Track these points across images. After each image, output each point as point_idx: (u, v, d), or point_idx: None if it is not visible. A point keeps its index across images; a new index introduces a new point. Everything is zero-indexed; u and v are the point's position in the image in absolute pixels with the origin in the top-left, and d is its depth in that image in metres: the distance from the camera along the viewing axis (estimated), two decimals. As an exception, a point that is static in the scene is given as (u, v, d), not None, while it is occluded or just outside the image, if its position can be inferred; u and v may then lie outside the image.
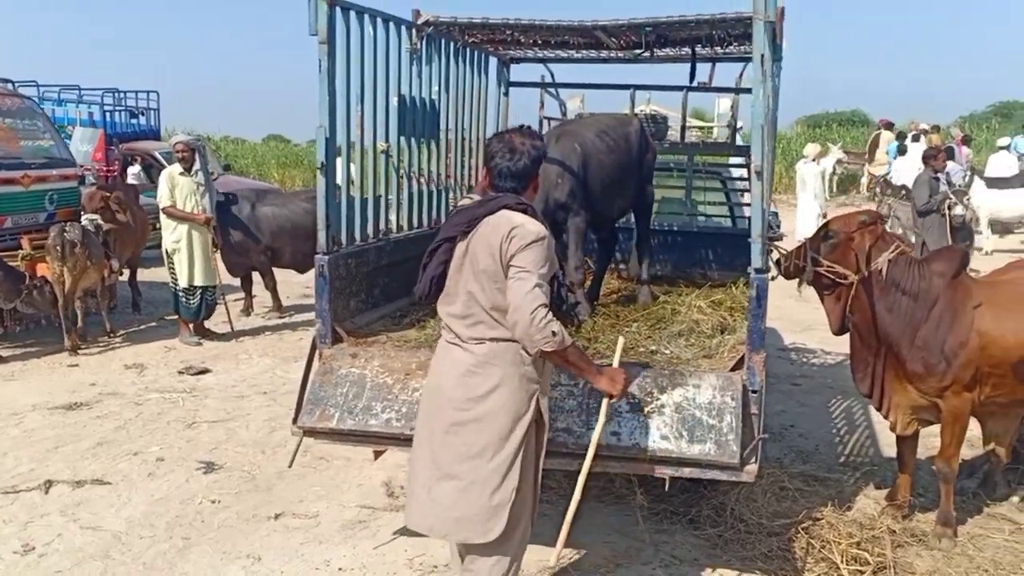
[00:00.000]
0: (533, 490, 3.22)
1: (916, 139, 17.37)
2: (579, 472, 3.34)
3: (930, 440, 4.79)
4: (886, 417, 4.66)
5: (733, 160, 7.96)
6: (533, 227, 2.99)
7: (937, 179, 9.63)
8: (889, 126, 19.96)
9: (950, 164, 11.38)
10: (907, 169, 14.02)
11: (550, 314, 2.90)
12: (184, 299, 8.33)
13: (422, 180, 5.74)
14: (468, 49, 6.24)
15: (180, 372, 7.40)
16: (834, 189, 16.36)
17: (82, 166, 10.99)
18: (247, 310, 9.65)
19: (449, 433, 3.07)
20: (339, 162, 4.60)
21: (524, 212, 3.06)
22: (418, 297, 3.28)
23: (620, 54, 6.55)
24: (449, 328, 3.15)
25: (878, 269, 4.33)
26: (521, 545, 3.22)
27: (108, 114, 16.34)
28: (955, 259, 4.61)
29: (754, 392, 3.76)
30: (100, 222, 8.44)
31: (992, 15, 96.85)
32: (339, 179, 4.74)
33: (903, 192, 12.28)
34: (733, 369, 3.85)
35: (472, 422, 3.04)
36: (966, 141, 19.48)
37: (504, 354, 3.03)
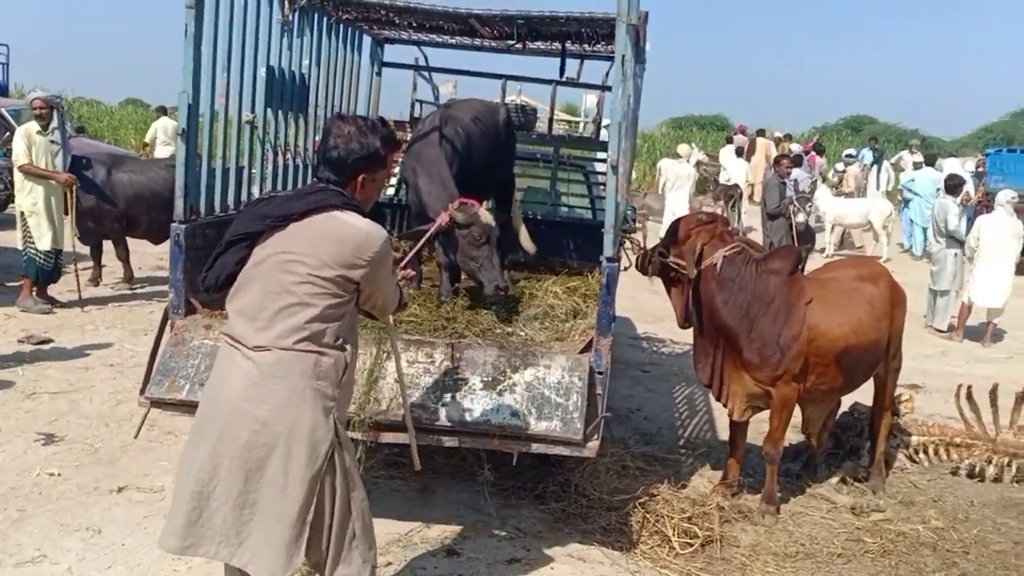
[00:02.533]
0: (361, 519, 2.88)
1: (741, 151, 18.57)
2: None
3: (761, 426, 5.16)
4: (724, 404, 5.00)
5: (600, 155, 8.23)
6: (378, 232, 2.77)
7: (784, 184, 10.28)
8: (760, 132, 21.03)
9: (796, 171, 12.15)
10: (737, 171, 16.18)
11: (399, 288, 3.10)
12: (44, 262, 7.96)
13: (288, 154, 5.69)
14: (342, 26, 6.21)
15: (20, 341, 7.02)
16: (693, 190, 17.04)
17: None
18: (96, 280, 9.20)
19: (238, 452, 2.68)
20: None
21: (355, 211, 2.79)
22: (204, 288, 2.95)
23: (493, 43, 6.68)
24: (232, 329, 2.79)
25: (712, 264, 4.64)
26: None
27: (-50, 65, 15.17)
28: (791, 258, 5.00)
29: (600, 373, 3.97)
30: None
31: (847, 35, 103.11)
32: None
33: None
34: (582, 352, 4.04)
35: (262, 446, 2.67)
36: (819, 151, 20.75)
37: (292, 365, 2.69)
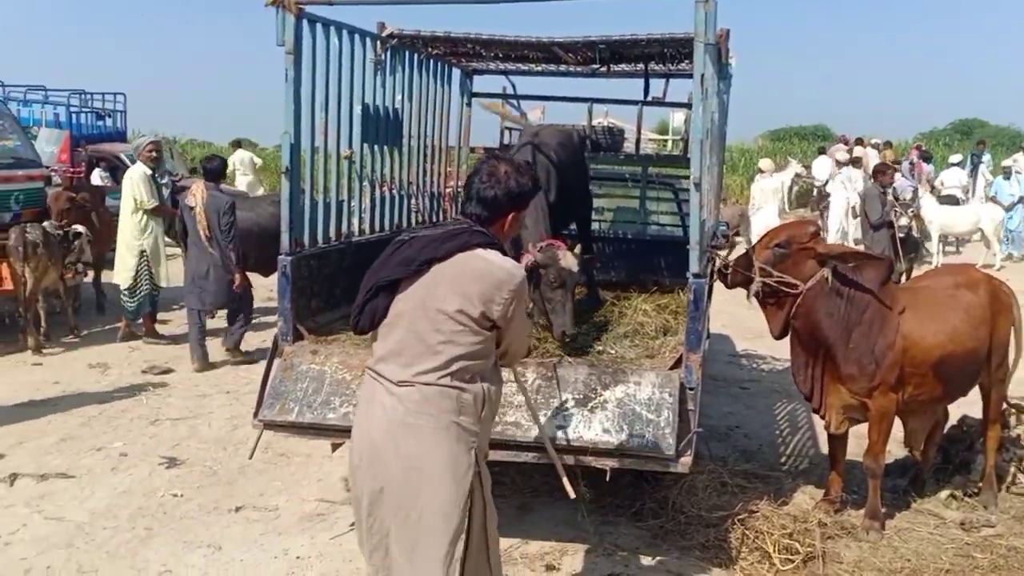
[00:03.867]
0: (497, 551, 2.99)
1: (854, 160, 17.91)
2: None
3: (865, 441, 5.06)
4: (822, 417, 4.92)
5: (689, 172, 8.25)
6: (518, 271, 2.85)
7: (885, 193, 10.01)
8: (859, 141, 20.43)
9: (899, 179, 11.80)
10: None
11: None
12: (156, 297, 8.57)
13: (385, 186, 5.94)
14: (431, 60, 6.46)
15: (144, 371, 7.52)
16: (793, 203, 16.68)
17: (48, 167, 11.01)
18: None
19: (388, 488, 2.77)
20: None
21: (497, 250, 2.85)
22: (356, 331, 2.99)
23: (578, 68, 6.81)
24: (377, 365, 2.86)
25: (824, 277, 4.55)
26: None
27: (74, 115, 16.25)
28: (883, 267, 4.89)
29: (691, 389, 4.01)
30: (62, 225, 8.51)
31: (956, 35, 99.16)
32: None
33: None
34: (672, 368, 4.09)
35: (410, 481, 2.74)
36: (926, 158, 20.02)
37: (436, 401, 2.76)
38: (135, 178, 8.40)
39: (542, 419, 3.96)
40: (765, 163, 15.29)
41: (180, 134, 30.40)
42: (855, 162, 16.57)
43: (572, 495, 3.61)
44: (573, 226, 6.20)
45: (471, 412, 2.80)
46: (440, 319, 2.75)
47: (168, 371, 7.56)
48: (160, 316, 8.99)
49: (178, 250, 9.51)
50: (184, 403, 6.73)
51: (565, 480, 3.61)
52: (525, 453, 3.98)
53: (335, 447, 4.67)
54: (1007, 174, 16.35)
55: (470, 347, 2.79)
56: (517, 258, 4.58)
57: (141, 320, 8.62)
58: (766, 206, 14.34)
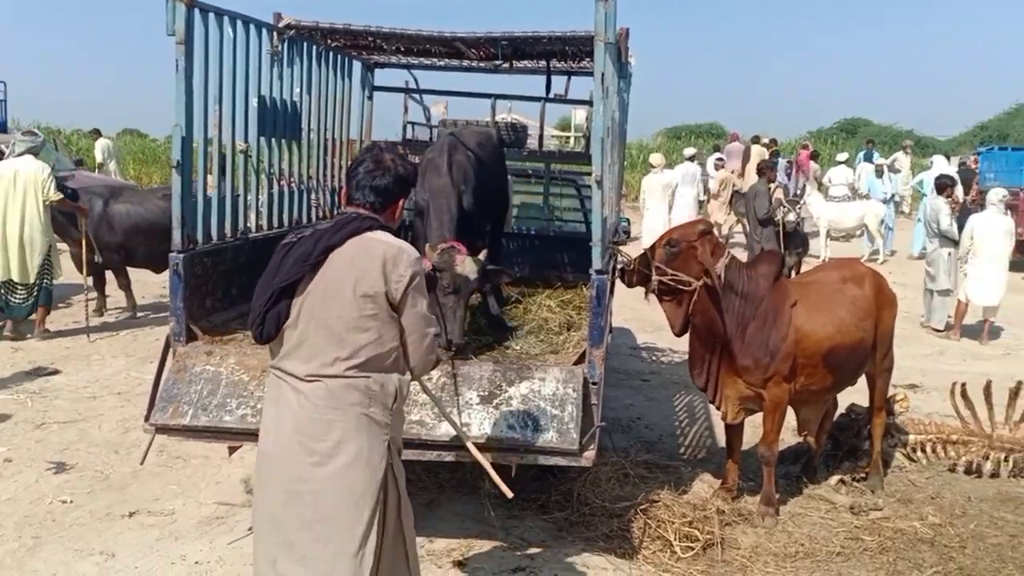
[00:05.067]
0: (413, 545, 3.02)
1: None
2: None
3: (759, 430, 5.23)
4: (718, 408, 5.07)
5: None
6: (412, 251, 2.86)
7: (771, 190, 10.39)
8: (755, 140, 21.08)
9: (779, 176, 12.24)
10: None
11: (436, 344, 2.97)
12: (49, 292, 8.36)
13: (283, 180, 5.80)
14: (331, 53, 6.34)
15: (28, 373, 7.14)
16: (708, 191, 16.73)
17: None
18: (100, 309, 9.34)
19: (291, 495, 2.76)
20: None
21: (391, 233, 2.91)
22: (260, 341, 2.90)
23: (481, 64, 6.80)
24: (281, 363, 2.84)
25: (717, 274, 4.68)
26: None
27: (-52, 104, 15.36)
28: (775, 262, 5.08)
29: (594, 384, 4.06)
30: None
31: (839, 38, 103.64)
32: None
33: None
34: (576, 363, 4.13)
35: (321, 479, 2.73)
36: (813, 156, 20.87)
37: (345, 394, 2.75)
38: (42, 172, 8.04)
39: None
40: (656, 158, 15.33)
41: (66, 124, 28.95)
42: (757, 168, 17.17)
43: (509, 494, 3.55)
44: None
45: (381, 403, 2.80)
46: (343, 305, 2.75)
47: (55, 372, 7.20)
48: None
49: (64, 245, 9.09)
50: (72, 406, 6.41)
51: (497, 479, 3.55)
52: (430, 452, 3.95)
53: (232, 450, 4.52)
54: (879, 172, 17.19)
55: (375, 333, 2.78)
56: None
57: (34, 317, 8.24)
58: (656, 204, 14.44)
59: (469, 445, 3.61)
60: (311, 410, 2.74)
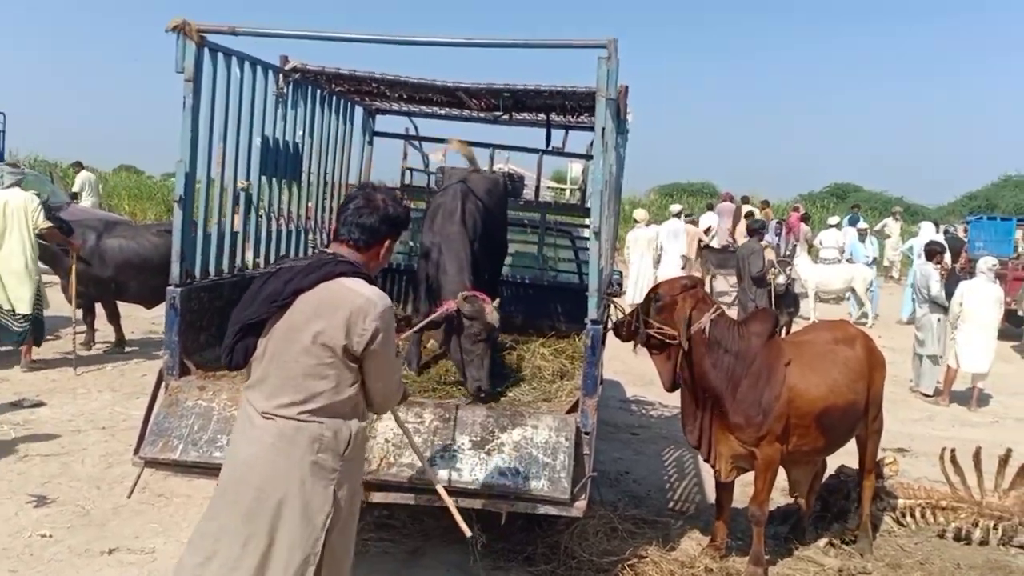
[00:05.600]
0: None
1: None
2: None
3: (750, 489, 5.21)
4: (712, 465, 5.04)
5: (586, 221, 8.42)
6: (380, 300, 2.82)
7: (763, 248, 10.49)
8: (745, 200, 21.36)
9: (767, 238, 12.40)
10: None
11: (401, 384, 3.06)
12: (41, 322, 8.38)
13: (281, 220, 5.83)
14: (334, 97, 6.43)
15: (12, 404, 7.05)
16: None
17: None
18: (89, 343, 9.27)
19: (239, 518, 2.79)
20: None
21: (363, 279, 2.88)
22: (229, 368, 3.03)
23: (481, 114, 6.90)
24: (248, 394, 2.91)
25: (701, 329, 4.71)
26: None
27: (-53, 134, 15.40)
28: (769, 321, 5.10)
29: (586, 433, 4.05)
30: None
31: (832, 103, 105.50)
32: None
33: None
34: (569, 412, 4.12)
35: (261, 513, 2.76)
36: (804, 218, 21.12)
37: (294, 437, 2.77)
38: (32, 202, 8.13)
39: (439, 461, 3.92)
40: (640, 213, 15.50)
41: (62, 158, 29.01)
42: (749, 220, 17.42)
43: (468, 533, 3.52)
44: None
45: (331, 450, 2.80)
46: (302, 351, 2.76)
47: (40, 404, 7.11)
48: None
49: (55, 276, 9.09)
50: (56, 439, 6.31)
51: (458, 518, 3.53)
52: (419, 495, 3.92)
53: (220, 487, 4.46)
54: (862, 236, 17.42)
55: (332, 381, 2.80)
56: (435, 306, 4.53)
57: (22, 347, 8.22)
58: (639, 258, 14.46)
59: (437, 484, 3.59)
60: (263, 446, 2.78)
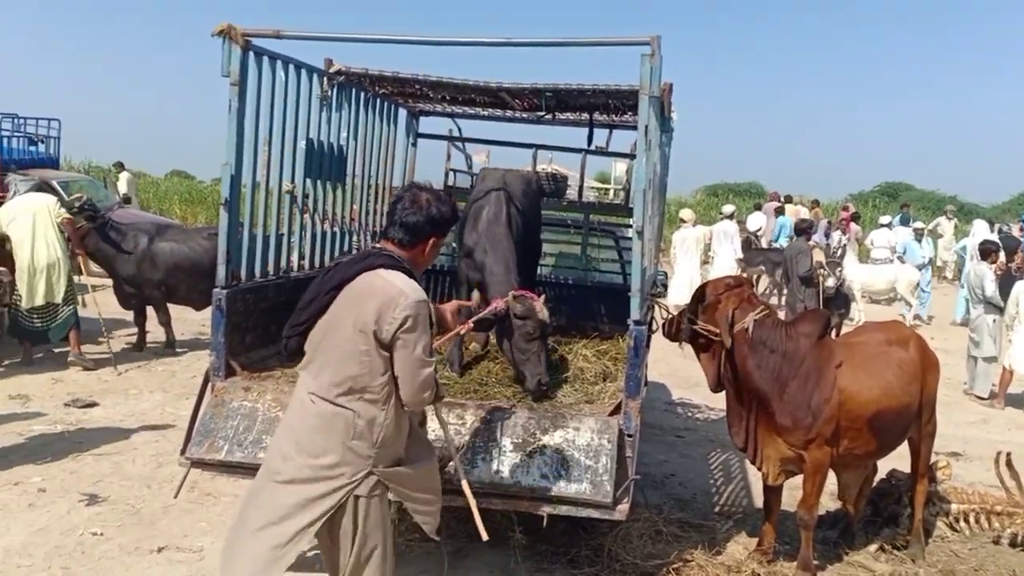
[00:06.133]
0: (390, 557, 3.13)
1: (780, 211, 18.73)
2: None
3: (798, 493, 5.11)
4: (759, 468, 4.96)
5: (630, 221, 8.36)
6: (413, 293, 2.92)
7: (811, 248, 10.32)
8: (788, 199, 21.02)
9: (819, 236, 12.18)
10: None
11: (432, 379, 2.99)
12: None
13: (326, 222, 5.87)
14: (378, 99, 6.46)
15: (67, 404, 7.22)
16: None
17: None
18: (140, 345, 9.46)
19: (280, 484, 2.99)
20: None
21: (403, 272, 3.01)
22: (286, 351, 3.22)
23: (524, 114, 6.89)
24: (300, 369, 3.12)
25: (744, 328, 4.64)
26: None
27: (5, 140, 15.82)
28: (820, 321, 5.00)
29: (629, 436, 4.00)
30: None
31: (883, 101, 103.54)
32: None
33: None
34: (611, 414, 4.08)
35: (286, 483, 2.96)
36: (855, 218, 20.74)
37: (334, 422, 2.95)
38: (50, 199, 8.66)
39: (480, 462, 3.91)
40: (686, 213, 15.27)
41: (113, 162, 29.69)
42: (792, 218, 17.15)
43: (484, 536, 3.47)
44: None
45: (365, 437, 2.95)
46: (342, 336, 2.94)
47: (92, 404, 7.27)
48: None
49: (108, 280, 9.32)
50: (108, 438, 6.45)
51: (478, 519, 3.49)
52: (461, 497, 3.90)
53: (265, 487, 4.51)
54: (918, 236, 17.01)
55: (366, 367, 2.93)
56: (482, 307, 4.53)
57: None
58: (686, 258, 14.35)
59: (463, 483, 3.53)
60: (301, 421, 2.99)
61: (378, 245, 3.16)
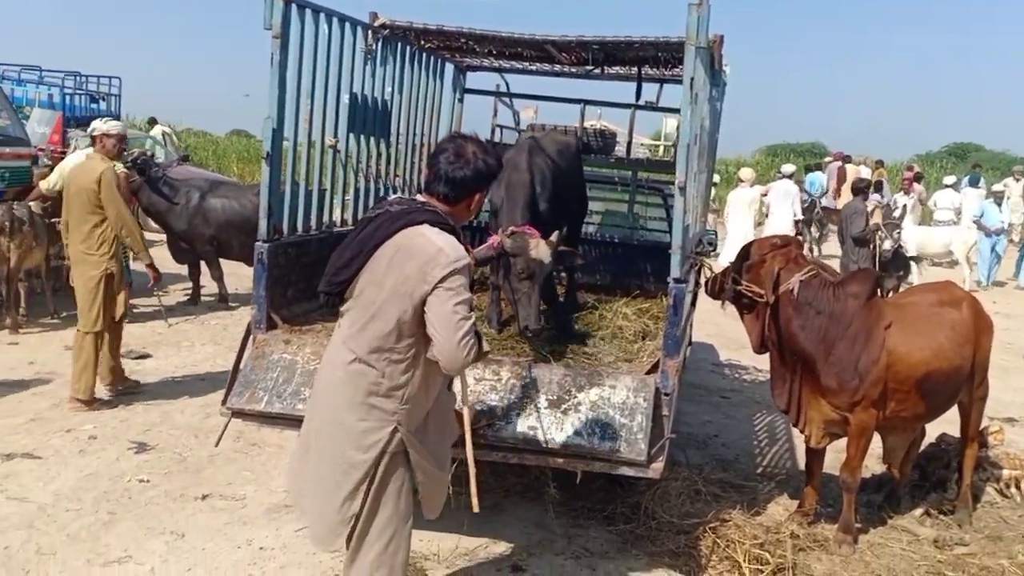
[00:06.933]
0: (404, 518, 3.05)
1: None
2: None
3: (842, 455, 5.02)
4: (802, 431, 4.88)
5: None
6: (453, 252, 2.82)
7: (868, 210, 10.03)
8: (846, 159, 20.43)
9: (874, 196, 11.81)
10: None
11: (472, 339, 2.80)
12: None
13: (370, 177, 5.87)
14: (424, 54, 6.40)
15: (121, 355, 7.41)
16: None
17: (36, 147, 10.92)
18: (194, 299, 9.67)
19: (322, 431, 3.00)
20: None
21: (446, 229, 2.90)
22: (323, 297, 3.08)
23: (571, 69, 6.76)
24: (339, 318, 3.05)
25: (789, 289, 4.54)
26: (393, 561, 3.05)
27: (68, 97, 16.16)
28: (869, 281, 4.87)
29: (666, 395, 3.95)
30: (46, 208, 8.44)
31: (951, 61, 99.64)
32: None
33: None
34: (648, 372, 4.04)
35: (326, 436, 2.96)
36: (918, 178, 20.07)
37: (361, 378, 2.89)
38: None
39: (515, 418, 3.91)
40: (745, 172, 14.86)
41: (176, 122, 30.24)
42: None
43: (476, 508, 3.29)
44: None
45: (389, 395, 2.89)
46: (377, 293, 2.85)
47: (145, 356, 7.48)
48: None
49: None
50: (158, 388, 6.65)
51: (475, 488, 3.28)
52: (495, 453, 3.92)
53: (305, 439, 4.58)
54: (998, 199, 16.37)
55: (398, 329, 2.84)
56: (483, 242, 4.37)
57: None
58: (740, 218, 13.98)
59: (468, 444, 3.31)
60: (338, 373, 2.94)
61: (421, 199, 3.03)
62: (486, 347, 2.96)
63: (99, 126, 6.31)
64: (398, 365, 2.89)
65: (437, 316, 2.79)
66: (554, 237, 4.43)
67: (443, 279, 2.77)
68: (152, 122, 20.44)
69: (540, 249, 4.28)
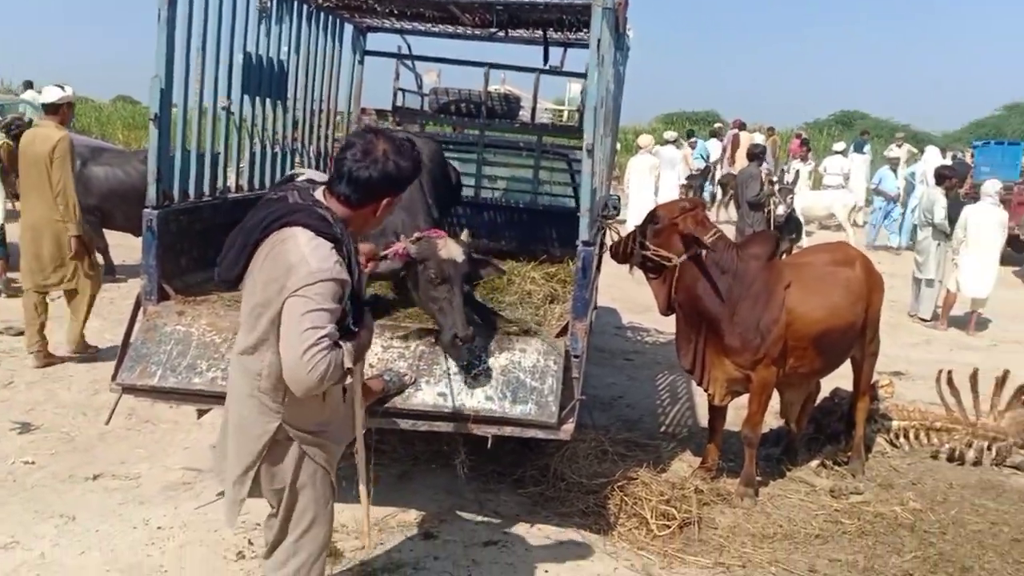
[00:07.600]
0: (323, 502, 2.90)
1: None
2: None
3: (742, 412, 5.16)
4: (706, 390, 4.99)
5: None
6: (317, 263, 2.49)
7: (765, 175, 10.29)
8: (742, 127, 20.97)
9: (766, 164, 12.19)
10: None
11: (322, 355, 2.44)
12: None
13: (266, 141, 5.65)
14: (322, 13, 6.16)
15: (0, 331, 6.98)
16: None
17: None
18: (109, 269, 9.16)
19: (230, 411, 2.87)
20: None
21: (326, 237, 2.56)
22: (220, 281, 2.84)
23: (476, 31, 6.64)
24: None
25: (702, 251, 4.60)
26: (313, 544, 2.91)
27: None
28: (769, 243, 4.98)
29: (576, 357, 3.95)
30: None
31: (839, 30, 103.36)
32: None
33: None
34: (558, 335, 4.03)
35: (233, 418, 2.83)
36: (804, 144, 20.76)
37: (247, 371, 2.72)
38: None
39: (425, 385, 3.84)
40: (644, 139, 15.11)
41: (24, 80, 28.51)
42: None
43: (367, 544, 3.25)
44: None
45: (270, 393, 2.70)
46: (253, 291, 2.65)
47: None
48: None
49: None
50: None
51: (363, 472, 3.20)
52: (405, 420, 3.85)
53: (201, 413, 4.39)
54: (894, 167, 17.09)
55: (273, 327, 2.58)
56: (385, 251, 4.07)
57: None
58: (641, 184, 14.20)
59: (358, 429, 3.12)
60: (235, 362, 2.82)
61: (317, 195, 2.67)
62: (348, 363, 2.56)
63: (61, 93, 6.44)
64: (274, 366, 2.64)
65: (284, 326, 2.51)
66: (464, 236, 4.20)
67: (299, 289, 2.47)
68: (28, 86, 19.35)
69: (450, 248, 3.92)
